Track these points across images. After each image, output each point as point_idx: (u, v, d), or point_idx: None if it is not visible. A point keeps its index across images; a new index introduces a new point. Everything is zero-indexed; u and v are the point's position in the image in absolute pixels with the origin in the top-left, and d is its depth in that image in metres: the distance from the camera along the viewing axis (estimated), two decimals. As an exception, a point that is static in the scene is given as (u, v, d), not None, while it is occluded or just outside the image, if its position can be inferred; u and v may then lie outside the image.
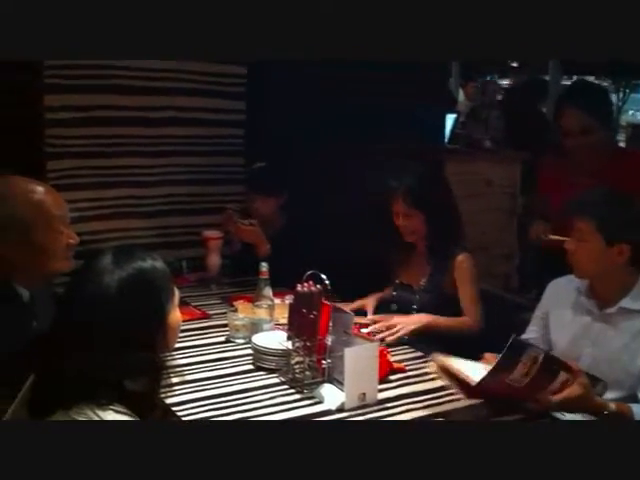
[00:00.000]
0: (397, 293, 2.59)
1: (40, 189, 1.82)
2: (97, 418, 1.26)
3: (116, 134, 2.95)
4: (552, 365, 1.78)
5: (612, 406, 1.78)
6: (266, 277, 2.30)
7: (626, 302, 1.95)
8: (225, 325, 2.35)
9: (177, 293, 1.48)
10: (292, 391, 1.93)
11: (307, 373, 1.95)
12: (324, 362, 1.97)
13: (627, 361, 1.91)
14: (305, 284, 2.04)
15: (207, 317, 2.49)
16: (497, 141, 5.08)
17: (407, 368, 2.11)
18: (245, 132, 3.27)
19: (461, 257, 2.46)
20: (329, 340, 1.98)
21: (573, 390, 1.75)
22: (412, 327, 2.33)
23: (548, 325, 2.14)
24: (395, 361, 2.11)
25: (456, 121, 5.19)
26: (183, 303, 2.45)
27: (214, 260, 2.87)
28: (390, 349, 2.23)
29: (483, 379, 1.75)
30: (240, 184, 3.23)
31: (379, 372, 1.92)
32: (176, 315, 1.47)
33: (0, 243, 1.76)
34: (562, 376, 1.77)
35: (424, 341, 2.30)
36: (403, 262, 2.60)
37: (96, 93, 2.84)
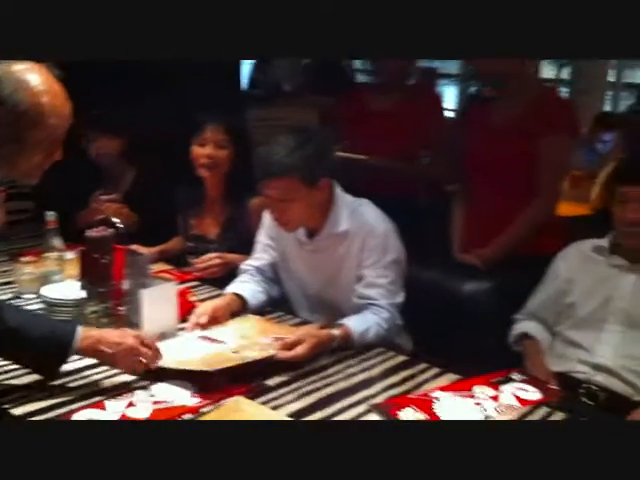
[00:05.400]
0: (194, 244, 2.52)
1: (51, 90, 1.49)
2: None
3: None
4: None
5: (336, 332, 1.81)
6: (54, 227, 2.15)
7: (329, 228, 1.99)
8: (13, 282, 2.18)
9: None
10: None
11: (103, 320, 1.87)
12: (121, 308, 1.89)
13: (344, 284, 2.00)
14: (95, 229, 1.94)
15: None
16: (297, 85, 5.13)
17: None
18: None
19: (258, 201, 2.45)
20: (126, 284, 1.90)
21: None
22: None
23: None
24: (198, 300, 2.08)
25: (255, 65, 5.16)
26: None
27: (-3, 216, 2.64)
28: (193, 289, 2.20)
29: None
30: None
31: (180, 312, 1.89)
32: None
33: None
34: None
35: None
36: (195, 213, 2.54)
37: None
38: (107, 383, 1.59)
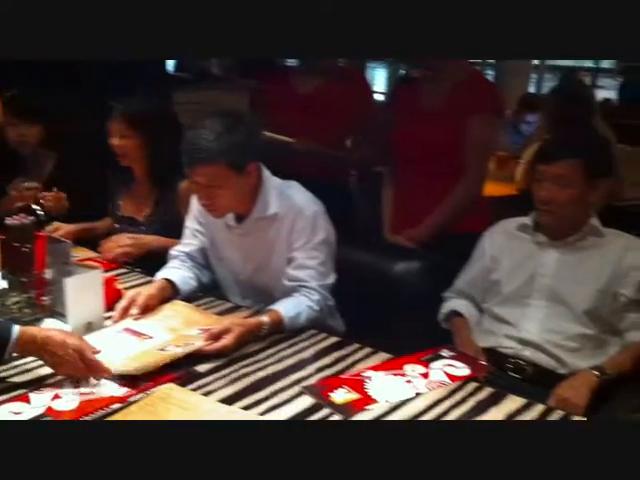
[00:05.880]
0: (121, 226, 2.46)
1: None
2: None
3: None
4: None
5: (266, 319, 1.80)
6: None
7: (258, 212, 1.96)
8: None
9: None
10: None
11: (26, 311, 1.80)
12: (44, 298, 1.83)
13: (275, 267, 1.99)
14: (15, 216, 1.87)
15: None
16: (226, 69, 5.07)
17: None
18: None
19: (187, 184, 2.39)
20: (49, 273, 1.84)
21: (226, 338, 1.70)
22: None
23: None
24: (125, 288, 2.04)
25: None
26: None
27: None
28: (120, 276, 2.15)
29: None
30: None
31: (106, 300, 1.84)
32: None
33: None
34: None
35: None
36: (124, 193, 2.48)
37: None
38: (31, 375, 1.53)
